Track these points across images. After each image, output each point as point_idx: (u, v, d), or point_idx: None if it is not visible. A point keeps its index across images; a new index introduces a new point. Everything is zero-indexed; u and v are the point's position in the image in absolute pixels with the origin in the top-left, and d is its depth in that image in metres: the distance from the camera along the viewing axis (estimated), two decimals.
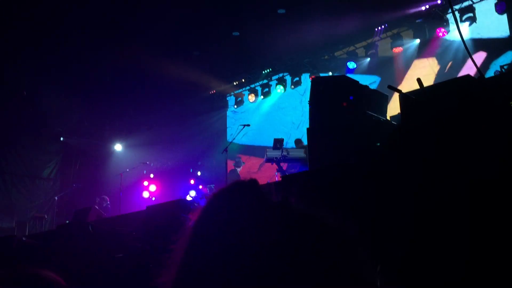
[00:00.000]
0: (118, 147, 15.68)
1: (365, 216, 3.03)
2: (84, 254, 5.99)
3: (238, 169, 12.39)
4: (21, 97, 13.42)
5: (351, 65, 12.50)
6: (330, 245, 0.74)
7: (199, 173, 14.80)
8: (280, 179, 6.16)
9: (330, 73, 12.88)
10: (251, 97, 14.76)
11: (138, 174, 14.01)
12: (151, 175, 14.98)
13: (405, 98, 4.12)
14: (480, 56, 10.52)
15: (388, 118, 5.66)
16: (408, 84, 10.40)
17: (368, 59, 12.59)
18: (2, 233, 11.04)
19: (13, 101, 13.44)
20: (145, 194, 14.26)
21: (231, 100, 15.76)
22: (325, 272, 0.71)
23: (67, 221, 10.35)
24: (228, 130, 15.73)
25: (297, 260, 0.71)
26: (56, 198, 13.06)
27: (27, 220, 13.47)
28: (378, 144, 4.67)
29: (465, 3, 10.77)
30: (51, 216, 13.38)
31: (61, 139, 15.00)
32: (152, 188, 14.49)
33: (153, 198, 14.04)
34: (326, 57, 13.47)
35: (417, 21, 11.64)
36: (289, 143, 12.63)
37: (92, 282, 5.03)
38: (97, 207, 10.59)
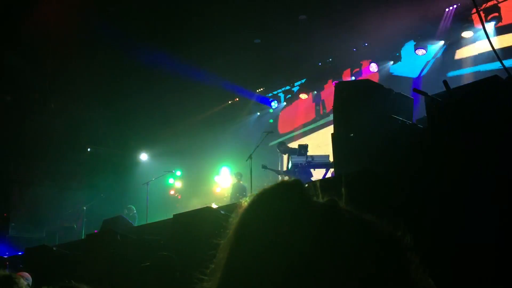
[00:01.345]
0: (143, 156, 15.86)
1: (411, 221, 2.99)
2: (113, 262, 6.07)
3: (238, 181, 12.39)
4: (49, 110, 13.72)
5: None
6: (384, 250, 0.73)
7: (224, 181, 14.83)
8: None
9: (353, 78, 12.79)
10: (274, 104, 14.78)
11: (164, 182, 14.14)
12: (177, 183, 15.11)
13: (431, 101, 4.07)
14: None
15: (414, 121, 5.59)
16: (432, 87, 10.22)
17: (391, 62, 12.47)
18: (33, 243, 11.27)
19: (42, 115, 13.76)
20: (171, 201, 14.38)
21: (254, 107, 15.78)
22: (376, 278, 0.70)
23: (95, 231, 10.51)
24: (252, 137, 15.74)
25: (348, 265, 0.70)
26: (84, 208, 13.28)
27: (57, 230, 13.73)
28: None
29: (490, 3, 10.57)
30: (80, 226, 13.60)
31: (88, 150, 15.28)
32: (178, 196, 14.60)
33: (179, 198, 14.10)
34: (349, 61, 13.38)
35: (441, 23, 11.47)
36: None
37: None
38: (124, 216, 10.73)
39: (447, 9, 11.14)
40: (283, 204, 0.77)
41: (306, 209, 0.76)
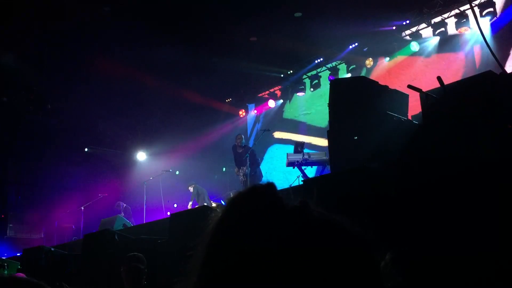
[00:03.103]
0: (141, 156, 15.81)
1: (387, 221, 3.00)
2: (111, 262, 6.08)
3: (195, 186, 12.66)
4: (46, 110, 13.71)
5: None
6: (348, 250, 0.74)
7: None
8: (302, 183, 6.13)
9: (349, 75, 12.80)
10: (271, 103, 14.78)
11: (162, 182, 14.11)
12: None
13: (426, 97, 4.08)
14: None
15: (409, 117, 5.61)
16: (429, 83, 10.22)
17: (388, 58, 12.48)
18: (32, 244, 11.28)
19: (39, 115, 13.75)
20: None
21: (251, 105, 15.79)
22: (341, 278, 0.71)
23: (93, 231, 10.50)
24: (248, 135, 15.76)
25: (314, 266, 0.71)
26: (82, 208, 13.27)
27: (55, 230, 13.74)
28: (355, 137, 4.64)
29: None
30: (78, 226, 13.60)
31: (86, 150, 15.26)
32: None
33: (175, 205, 14.12)
34: (344, 58, 13.39)
35: (435, 18, 11.49)
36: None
37: None
38: (122, 216, 10.76)
39: (441, 4, 11.16)
40: (255, 206, 0.79)
41: (277, 211, 0.78)
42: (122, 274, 4.44)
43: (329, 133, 5.39)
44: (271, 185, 0.83)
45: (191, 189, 12.77)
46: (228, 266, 0.74)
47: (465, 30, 10.96)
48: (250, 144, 13.97)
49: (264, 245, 0.73)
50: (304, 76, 14.22)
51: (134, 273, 4.38)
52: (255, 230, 0.75)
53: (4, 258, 9.52)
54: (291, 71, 14.38)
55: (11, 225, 13.00)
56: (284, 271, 0.71)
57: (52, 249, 7.79)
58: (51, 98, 13.78)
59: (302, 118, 14.47)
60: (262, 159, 12.69)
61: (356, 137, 4.70)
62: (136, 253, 4.62)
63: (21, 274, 5.19)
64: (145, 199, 12.31)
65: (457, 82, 4.26)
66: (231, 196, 0.85)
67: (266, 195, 0.80)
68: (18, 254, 9.94)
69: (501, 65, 4.15)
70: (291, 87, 14.55)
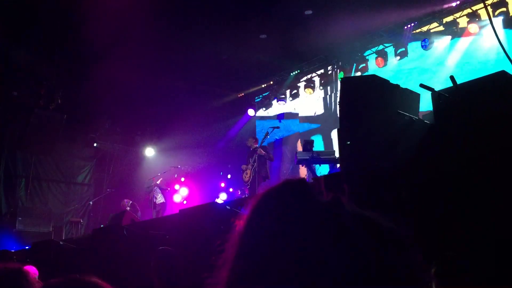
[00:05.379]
0: (149, 151, 15.88)
1: (416, 218, 2.97)
2: (119, 257, 6.11)
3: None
4: (55, 105, 13.77)
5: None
6: (385, 247, 0.73)
7: (229, 176, 14.84)
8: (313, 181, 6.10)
9: (359, 73, 12.75)
10: (281, 101, 14.73)
11: (170, 178, 14.17)
12: (182, 179, 15.13)
13: (438, 97, 4.05)
14: None
15: (420, 117, 5.56)
16: (439, 82, 10.16)
17: (398, 57, 12.40)
18: (40, 238, 11.35)
19: (48, 110, 13.81)
20: (176, 198, 14.39)
21: (260, 102, 15.76)
22: (379, 275, 0.70)
23: (102, 225, 10.55)
24: (257, 132, 15.73)
25: (351, 263, 0.71)
26: (91, 203, 13.35)
27: (64, 224, 13.82)
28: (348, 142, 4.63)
29: None
30: (87, 221, 13.67)
31: (95, 145, 15.33)
32: (183, 191, 14.62)
33: (185, 202, 14.17)
34: (355, 57, 13.33)
35: (448, 17, 11.40)
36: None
37: (128, 285, 5.11)
38: (128, 209, 10.82)
39: (454, 3, 11.08)
40: (288, 202, 0.78)
41: (310, 206, 0.77)
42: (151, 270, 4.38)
43: (339, 131, 5.37)
44: (302, 180, 0.82)
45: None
46: (261, 260, 0.73)
47: (476, 29, 10.86)
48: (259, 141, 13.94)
49: (297, 239, 0.72)
50: (314, 75, 14.17)
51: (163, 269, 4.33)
52: (288, 224, 0.74)
53: (12, 251, 9.60)
54: (300, 69, 14.33)
55: (20, 218, 13.08)
56: (319, 266, 0.70)
57: (61, 243, 7.84)
58: (61, 93, 13.83)
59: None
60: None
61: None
62: (163, 247, 4.59)
63: (31, 266, 5.22)
64: (153, 195, 12.34)
65: (470, 81, 4.21)
66: (264, 191, 0.84)
67: (299, 190, 0.79)
68: (27, 248, 10.02)
69: None
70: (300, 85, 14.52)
